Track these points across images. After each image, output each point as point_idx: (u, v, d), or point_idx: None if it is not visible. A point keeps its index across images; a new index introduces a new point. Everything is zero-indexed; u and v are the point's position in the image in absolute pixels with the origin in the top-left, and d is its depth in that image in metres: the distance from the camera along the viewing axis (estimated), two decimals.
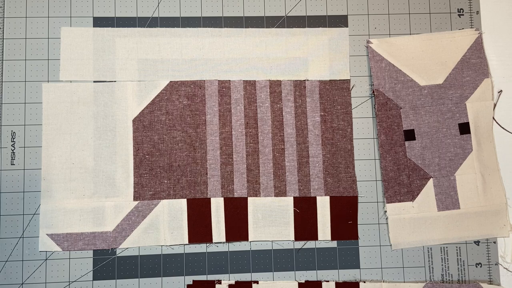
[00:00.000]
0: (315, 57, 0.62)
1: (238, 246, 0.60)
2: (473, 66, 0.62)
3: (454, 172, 0.60)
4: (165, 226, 0.59)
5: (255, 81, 0.61)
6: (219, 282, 0.59)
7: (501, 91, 0.63)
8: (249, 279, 0.59)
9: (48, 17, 0.61)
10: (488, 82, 0.62)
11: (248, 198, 0.60)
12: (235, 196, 0.60)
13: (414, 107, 0.61)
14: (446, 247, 0.60)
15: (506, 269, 0.60)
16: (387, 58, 0.62)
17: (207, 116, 0.61)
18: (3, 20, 0.61)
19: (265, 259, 0.60)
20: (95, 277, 0.58)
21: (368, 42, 0.62)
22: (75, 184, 0.59)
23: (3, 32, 0.61)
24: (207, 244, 0.60)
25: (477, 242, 0.61)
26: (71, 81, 0.60)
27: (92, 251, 0.59)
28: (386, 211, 0.60)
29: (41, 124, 0.60)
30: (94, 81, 0.61)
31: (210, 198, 0.60)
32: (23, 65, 0.60)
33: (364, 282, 0.59)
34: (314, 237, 0.60)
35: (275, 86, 0.61)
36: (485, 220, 0.60)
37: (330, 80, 0.62)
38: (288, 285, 0.59)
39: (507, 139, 0.62)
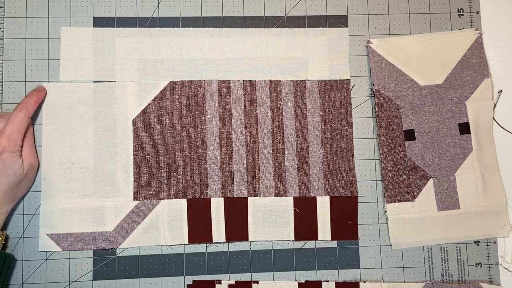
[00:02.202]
0: (315, 57, 0.62)
1: (238, 246, 0.60)
2: (473, 66, 0.62)
3: (454, 172, 0.60)
4: (165, 226, 0.59)
5: (255, 81, 0.61)
6: (219, 282, 0.59)
7: (501, 91, 0.63)
8: (249, 279, 0.59)
9: (48, 17, 0.61)
10: (488, 82, 0.62)
11: (248, 198, 0.60)
12: (235, 196, 0.60)
13: (414, 107, 0.61)
14: (446, 247, 0.60)
15: (506, 269, 0.60)
16: (387, 58, 0.62)
17: (207, 116, 0.61)
18: (3, 20, 0.61)
19: (265, 259, 0.60)
20: (95, 277, 0.58)
21: (368, 42, 0.62)
22: (75, 184, 0.59)
23: (3, 32, 0.61)
24: (207, 244, 0.60)
25: (477, 242, 0.61)
26: (71, 81, 0.60)
27: (92, 251, 0.59)
28: (386, 211, 0.60)
29: (41, 124, 0.60)
30: (94, 81, 0.61)
31: (210, 198, 0.60)
32: (23, 65, 0.60)
33: (364, 282, 0.59)
34: (314, 237, 0.60)
35: (275, 86, 0.61)
36: (485, 220, 0.60)
37: (330, 80, 0.62)
38: (288, 285, 0.59)
39: (507, 139, 0.62)
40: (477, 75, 0.62)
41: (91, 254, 0.59)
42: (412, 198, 0.60)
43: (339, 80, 0.62)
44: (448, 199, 0.60)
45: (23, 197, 0.58)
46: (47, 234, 0.58)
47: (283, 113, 0.61)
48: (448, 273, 0.60)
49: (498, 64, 0.63)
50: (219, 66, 0.61)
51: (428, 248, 0.60)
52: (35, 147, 0.59)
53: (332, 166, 0.61)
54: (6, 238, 0.57)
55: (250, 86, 0.61)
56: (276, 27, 0.62)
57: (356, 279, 0.60)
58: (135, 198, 0.59)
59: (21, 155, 0.55)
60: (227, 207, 0.60)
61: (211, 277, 0.59)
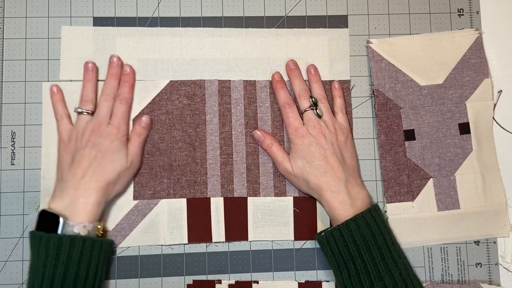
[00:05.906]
0: (315, 57, 0.62)
1: (238, 246, 0.60)
2: (473, 66, 0.62)
3: (454, 172, 0.60)
4: (165, 226, 0.59)
5: (255, 81, 0.61)
6: (219, 282, 0.59)
7: (501, 91, 0.63)
8: (249, 279, 0.59)
9: (48, 17, 0.61)
10: (488, 82, 0.62)
11: (248, 198, 0.60)
12: (234, 196, 0.60)
13: (414, 107, 0.61)
14: (446, 247, 0.60)
15: (506, 269, 0.60)
16: (387, 58, 0.62)
17: (207, 115, 0.61)
18: (3, 20, 0.61)
19: (265, 259, 0.60)
20: None
21: (368, 42, 0.62)
22: None
23: (3, 32, 0.61)
24: (207, 244, 0.60)
25: (477, 242, 0.61)
26: (71, 80, 0.60)
27: None
28: (386, 211, 0.60)
29: (41, 124, 0.60)
30: None
31: (209, 198, 0.60)
32: (23, 65, 0.60)
33: None
34: (314, 237, 0.60)
35: None
36: (485, 220, 0.60)
37: (330, 81, 0.62)
38: (288, 285, 0.59)
39: (507, 139, 0.62)
40: (477, 75, 0.62)
41: None
42: (412, 198, 0.60)
43: (339, 80, 0.62)
44: (448, 199, 0.60)
45: (23, 197, 0.58)
46: None
47: None
48: (448, 273, 0.60)
49: (498, 64, 0.63)
50: (219, 66, 0.61)
51: (428, 248, 0.60)
52: (140, 154, 0.58)
53: None
54: (104, 229, 0.58)
55: (250, 86, 0.61)
56: (276, 27, 0.62)
57: None
58: (134, 197, 0.59)
59: (127, 148, 0.57)
60: (227, 207, 0.60)
61: (211, 277, 0.59)
